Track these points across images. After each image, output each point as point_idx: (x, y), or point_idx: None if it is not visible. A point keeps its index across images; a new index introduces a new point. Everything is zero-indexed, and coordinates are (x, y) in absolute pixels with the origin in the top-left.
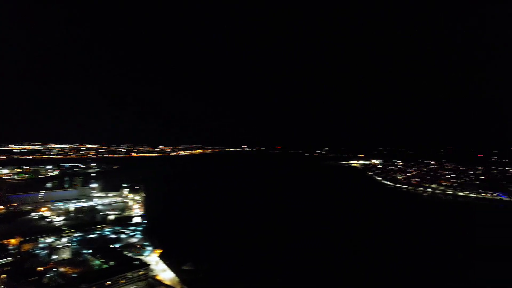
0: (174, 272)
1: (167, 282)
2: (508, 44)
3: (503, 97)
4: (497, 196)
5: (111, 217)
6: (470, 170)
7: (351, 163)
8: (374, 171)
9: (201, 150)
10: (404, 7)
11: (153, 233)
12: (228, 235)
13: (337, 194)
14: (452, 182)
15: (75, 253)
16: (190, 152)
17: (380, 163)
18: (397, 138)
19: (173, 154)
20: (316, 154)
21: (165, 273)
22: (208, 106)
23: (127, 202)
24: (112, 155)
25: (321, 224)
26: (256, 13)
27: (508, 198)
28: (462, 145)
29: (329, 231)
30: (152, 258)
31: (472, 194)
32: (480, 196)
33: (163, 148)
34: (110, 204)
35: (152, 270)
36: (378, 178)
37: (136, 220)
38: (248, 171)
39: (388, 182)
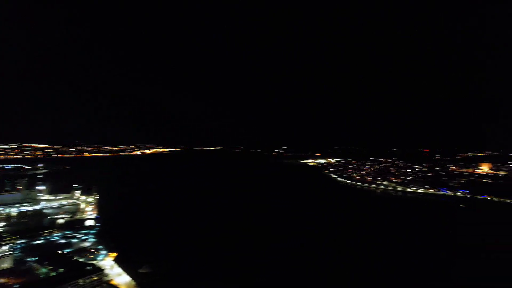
0: (130, 276)
1: (123, 287)
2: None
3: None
4: (440, 191)
5: (61, 221)
6: (417, 168)
7: (309, 162)
8: (330, 169)
9: (158, 150)
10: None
11: (108, 236)
12: (186, 236)
13: (296, 192)
14: (402, 179)
15: (18, 262)
16: (147, 151)
17: (336, 162)
18: (352, 137)
19: (128, 154)
20: (275, 153)
21: (120, 277)
22: (167, 104)
23: (79, 205)
24: (62, 155)
25: (283, 222)
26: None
27: (449, 193)
28: (410, 144)
29: (292, 229)
30: (107, 262)
31: (419, 190)
32: (426, 191)
33: (118, 147)
34: (59, 207)
35: (106, 275)
36: (334, 176)
37: (89, 223)
38: (208, 170)
39: (343, 180)
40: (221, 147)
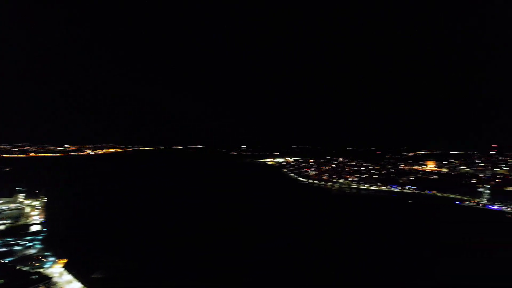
0: (82, 283)
1: None
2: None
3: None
4: (391, 188)
5: (1, 227)
6: (371, 166)
7: (267, 161)
8: (289, 168)
9: (112, 150)
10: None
11: (56, 241)
12: (140, 237)
13: (258, 190)
14: (356, 177)
15: None
16: (100, 151)
17: (294, 160)
18: (309, 136)
19: (80, 153)
20: (234, 152)
21: (71, 285)
22: (122, 103)
23: (23, 209)
24: (3, 155)
25: (246, 221)
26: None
27: (400, 189)
28: (364, 143)
29: (256, 228)
30: (55, 269)
31: (372, 187)
32: (379, 188)
33: (68, 147)
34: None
35: (54, 283)
36: (292, 174)
37: (35, 228)
38: (165, 170)
39: (301, 178)
40: (179, 147)
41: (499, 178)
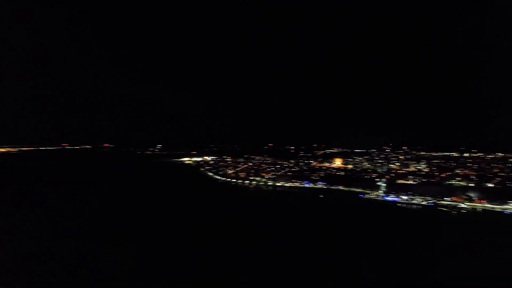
0: None
1: None
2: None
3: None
4: (304, 184)
5: None
6: (285, 164)
7: (185, 160)
8: (207, 167)
9: (3, 150)
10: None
11: None
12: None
13: (176, 189)
14: (272, 175)
15: None
16: None
17: (212, 160)
18: (227, 135)
19: None
20: (149, 152)
21: None
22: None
23: None
24: None
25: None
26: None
27: (312, 185)
28: (280, 142)
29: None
30: None
31: (287, 183)
32: (293, 185)
33: None
34: None
35: None
36: (210, 173)
37: None
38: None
39: (219, 177)
40: (87, 146)
41: (393, 173)
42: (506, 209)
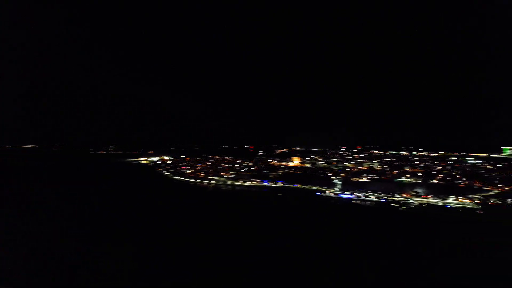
0: None
1: None
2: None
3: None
4: (263, 183)
5: None
6: (244, 163)
7: (141, 160)
8: (164, 167)
9: None
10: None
11: None
12: None
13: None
14: (231, 174)
15: None
16: None
17: (170, 159)
18: (186, 135)
19: None
20: (103, 152)
21: None
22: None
23: None
24: None
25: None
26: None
27: (270, 184)
28: (238, 141)
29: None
30: None
31: (246, 182)
32: (252, 183)
33: None
34: None
35: None
36: (168, 173)
37: None
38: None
39: (177, 177)
40: (33, 146)
41: (348, 171)
42: (447, 203)
